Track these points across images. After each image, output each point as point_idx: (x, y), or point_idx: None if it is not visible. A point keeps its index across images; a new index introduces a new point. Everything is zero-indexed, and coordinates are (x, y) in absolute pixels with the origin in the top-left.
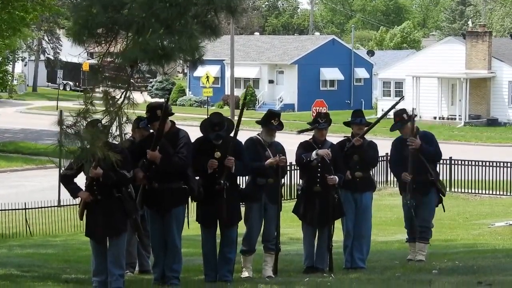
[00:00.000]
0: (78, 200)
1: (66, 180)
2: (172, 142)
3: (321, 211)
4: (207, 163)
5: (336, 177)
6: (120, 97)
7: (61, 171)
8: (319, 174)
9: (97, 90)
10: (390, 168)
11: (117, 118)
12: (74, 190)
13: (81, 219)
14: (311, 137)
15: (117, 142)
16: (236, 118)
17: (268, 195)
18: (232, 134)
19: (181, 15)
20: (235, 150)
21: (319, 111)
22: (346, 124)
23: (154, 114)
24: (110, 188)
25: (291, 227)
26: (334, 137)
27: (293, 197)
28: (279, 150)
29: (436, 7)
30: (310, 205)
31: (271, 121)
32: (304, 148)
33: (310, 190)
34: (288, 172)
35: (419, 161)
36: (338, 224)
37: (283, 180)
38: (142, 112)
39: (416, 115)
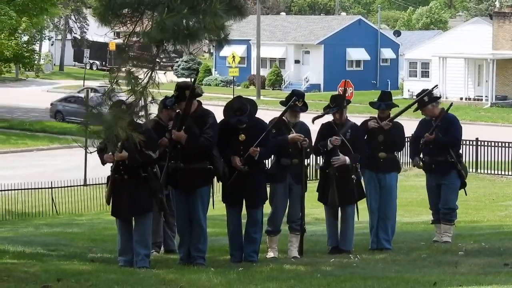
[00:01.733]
0: (104, 180)
1: (100, 151)
2: (198, 122)
3: (338, 193)
4: (231, 145)
5: (343, 157)
6: (145, 77)
7: (89, 150)
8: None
9: (123, 69)
10: (409, 145)
11: (142, 98)
12: (101, 158)
13: (108, 203)
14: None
15: (141, 122)
16: (262, 98)
17: (293, 176)
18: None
19: None
20: (260, 134)
21: (339, 92)
22: (372, 104)
23: (182, 94)
24: (136, 168)
25: (316, 208)
26: (360, 118)
27: (318, 178)
28: (304, 130)
29: None
30: (327, 186)
31: (295, 102)
32: (324, 131)
33: (326, 170)
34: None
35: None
36: (364, 204)
37: (308, 160)
38: (167, 92)
39: (439, 97)
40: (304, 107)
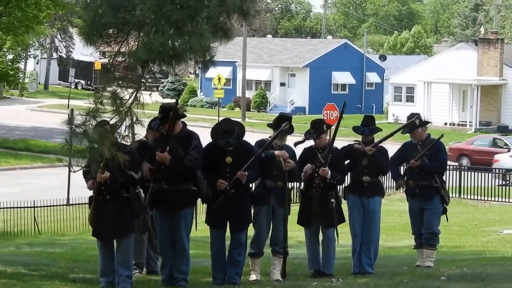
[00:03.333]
0: (87, 200)
1: (86, 174)
2: (182, 144)
3: (316, 215)
4: (217, 168)
5: (329, 171)
6: (130, 97)
7: (73, 169)
8: (315, 179)
9: (108, 89)
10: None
11: (126, 119)
12: (87, 182)
13: (92, 225)
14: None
15: (126, 143)
16: (247, 120)
17: (276, 198)
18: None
19: (192, 17)
20: (249, 157)
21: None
22: (355, 129)
23: (166, 116)
24: (118, 188)
25: (300, 231)
26: (344, 141)
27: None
28: (290, 153)
29: (446, 11)
30: (306, 208)
31: (282, 124)
32: (305, 156)
33: (307, 194)
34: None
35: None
36: (345, 228)
37: (293, 183)
38: (152, 113)
39: (429, 122)
40: (290, 130)
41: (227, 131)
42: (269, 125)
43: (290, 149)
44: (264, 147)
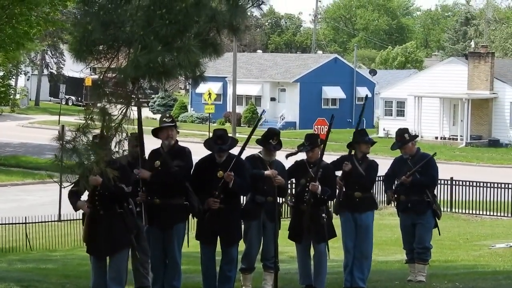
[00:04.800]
0: (79, 215)
1: (72, 195)
2: (174, 159)
3: (310, 229)
4: (209, 182)
5: (318, 185)
6: (120, 113)
7: (64, 185)
8: (306, 194)
9: (98, 105)
10: (383, 181)
11: (117, 135)
12: (74, 203)
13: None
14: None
15: (115, 158)
16: (238, 135)
17: (267, 213)
18: (236, 151)
19: (181, 32)
20: (238, 167)
21: (315, 131)
22: (350, 145)
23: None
24: (111, 202)
25: (291, 246)
26: (334, 156)
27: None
28: (280, 168)
29: (437, 26)
30: (297, 223)
31: (270, 140)
32: (297, 167)
33: (298, 208)
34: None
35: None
36: (337, 243)
37: (282, 198)
38: (144, 129)
39: (417, 136)
40: (278, 145)
41: (219, 137)
42: (257, 141)
43: (279, 164)
44: (243, 145)
